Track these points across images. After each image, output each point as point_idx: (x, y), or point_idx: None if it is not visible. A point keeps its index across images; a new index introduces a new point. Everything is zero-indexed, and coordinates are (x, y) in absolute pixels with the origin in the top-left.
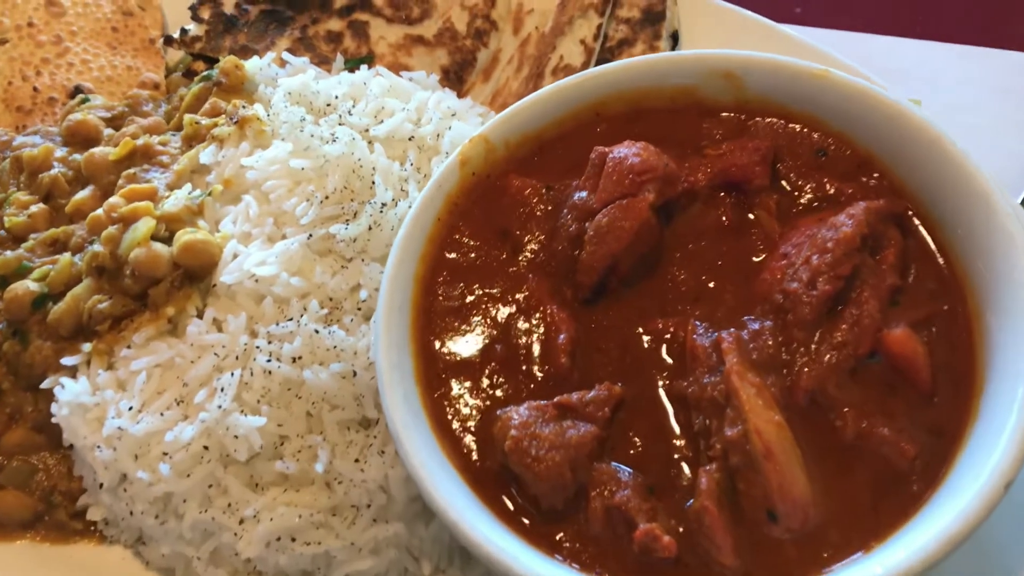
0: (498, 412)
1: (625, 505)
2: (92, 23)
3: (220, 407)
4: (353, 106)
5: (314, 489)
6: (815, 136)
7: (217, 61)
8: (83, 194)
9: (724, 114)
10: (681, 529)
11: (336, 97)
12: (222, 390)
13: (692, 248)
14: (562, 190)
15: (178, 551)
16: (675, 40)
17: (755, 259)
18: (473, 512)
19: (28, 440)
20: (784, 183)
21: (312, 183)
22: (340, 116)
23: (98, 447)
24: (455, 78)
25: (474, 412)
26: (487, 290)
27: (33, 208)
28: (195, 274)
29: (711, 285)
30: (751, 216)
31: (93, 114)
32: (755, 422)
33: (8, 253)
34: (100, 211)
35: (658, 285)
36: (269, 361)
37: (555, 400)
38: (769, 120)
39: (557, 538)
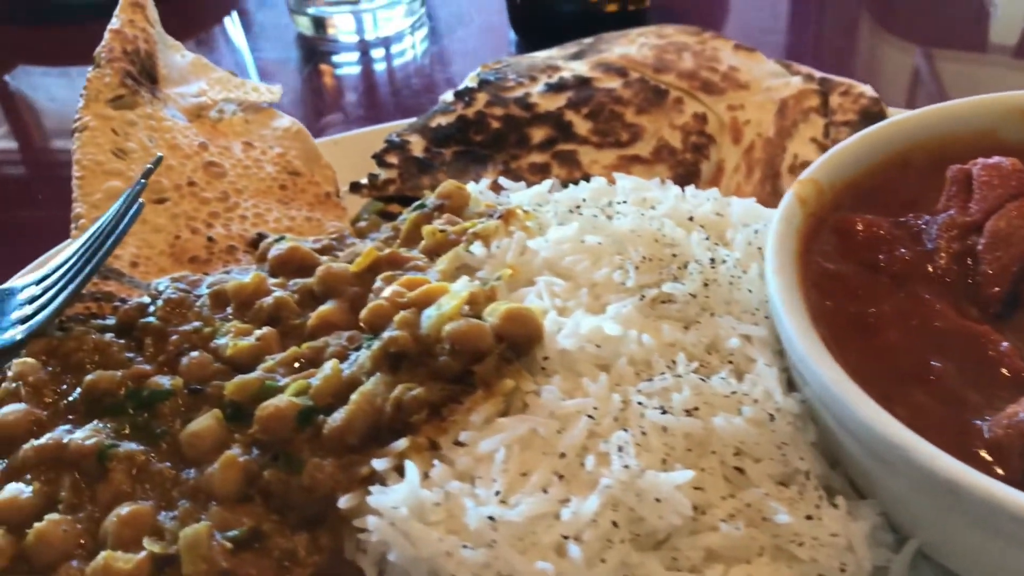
0: (975, 421)
1: None
2: (256, 183)
3: (627, 467)
4: (608, 204)
5: (766, 560)
6: None
7: (413, 200)
8: (326, 307)
9: None
10: None
11: (584, 200)
12: (620, 449)
13: None
14: (910, 225)
15: None
16: None
17: None
18: None
19: None
20: None
21: (616, 255)
22: (601, 208)
23: (464, 547)
24: None
25: (943, 428)
26: (886, 313)
27: (259, 332)
28: (519, 346)
29: None
30: None
31: (301, 243)
32: None
33: (242, 376)
34: (381, 300)
35: None
36: (664, 414)
37: None
38: None
39: None
